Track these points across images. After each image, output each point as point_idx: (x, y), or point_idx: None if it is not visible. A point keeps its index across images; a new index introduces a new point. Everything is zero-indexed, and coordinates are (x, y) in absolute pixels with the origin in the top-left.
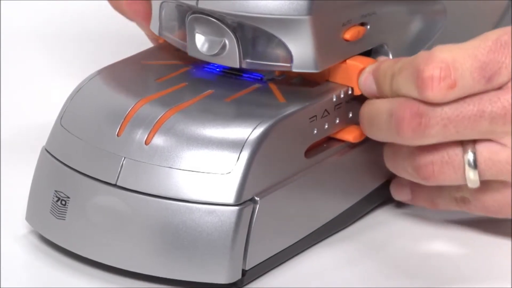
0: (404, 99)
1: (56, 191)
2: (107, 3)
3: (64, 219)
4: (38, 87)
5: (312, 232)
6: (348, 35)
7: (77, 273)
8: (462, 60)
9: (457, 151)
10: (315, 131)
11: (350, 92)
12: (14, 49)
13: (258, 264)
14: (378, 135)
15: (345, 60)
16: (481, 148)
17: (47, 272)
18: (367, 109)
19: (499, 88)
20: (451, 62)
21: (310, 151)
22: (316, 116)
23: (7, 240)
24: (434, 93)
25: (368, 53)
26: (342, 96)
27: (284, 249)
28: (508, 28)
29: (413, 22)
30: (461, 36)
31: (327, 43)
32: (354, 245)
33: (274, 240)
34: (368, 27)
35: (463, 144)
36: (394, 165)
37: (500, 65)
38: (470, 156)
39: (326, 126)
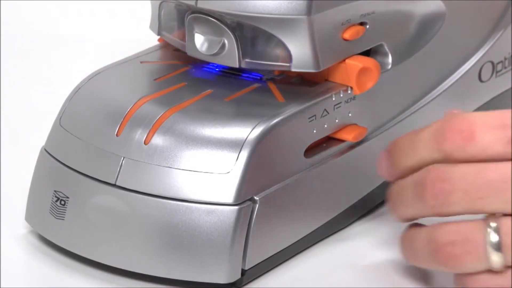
0: (429, 166)
1: (55, 191)
2: (106, 4)
3: (64, 219)
4: (38, 87)
5: (312, 232)
6: (347, 34)
7: (76, 273)
8: (485, 117)
9: (479, 226)
10: (315, 131)
11: (349, 91)
12: (14, 49)
13: (257, 264)
14: (404, 211)
15: (344, 60)
16: (506, 219)
17: (46, 272)
18: (395, 186)
19: None
20: (473, 117)
21: (310, 151)
22: (315, 115)
23: (7, 240)
24: (452, 144)
25: (367, 53)
26: (341, 95)
27: (283, 249)
28: None
29: (412, 22)
30: (461, 36)
31: (327, 42)
32: (354, 246)
33: (274, 239)
34: (368, 26)
35: (486, 219)
36: (413, 254)
37: None
38: (493, 225)
39: (326, 126)
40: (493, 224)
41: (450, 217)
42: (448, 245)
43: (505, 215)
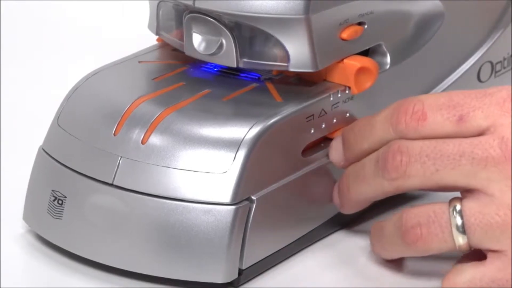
0: (390, 142)
1: (53, 190)
2: (105, 3)
3: (61, 219)
4: (36, 87)
5: (310, 232)
6: (345, 34)
7: (74, 273)
8: (435, 99)
9: (444, 208)
10: (312, 131)
11: (347, 91)
12: (14, 49)
13: (255, 264)
14: (364, 189)
15: (342, 60)
16: (467, 200)
17: (44, 271)
18: (352, 167)
19: (481, 134)
20: (426, 99)
21: (307, 151)
22: (313, 115)
23: (5, 239)
24: (406, 125)
25: (366, 53)
26: (339, 95)
27: (281, 249)
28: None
29: (410, 22)
30: (460, 36)
31: (324, 42)
32: (352, 245)
33: (271, 239)
34: (366, 26)
35: (450, 202)
36: (383, 242)
37: (474, 108)
38: (456, 208)
39: (323, 126)
40: (457, 207)
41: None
42: (415, 227)
43: (467, 192)
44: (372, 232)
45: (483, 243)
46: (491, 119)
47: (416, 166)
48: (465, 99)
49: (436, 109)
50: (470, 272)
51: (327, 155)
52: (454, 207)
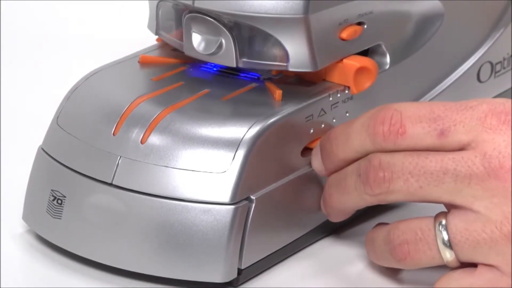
0: (370, 155)
1: (52, 190)
2: (104, 3)
3: (60, 218)
4: (36, 86)
5: (308, 232)
6: (344, 34)
7: (73, 272)
8: (415, 110)
9: (430, 225)
10: (312, 131)
11: (346, 91)
12: (13, 49)
13: (254, 263)
14: (346, 201)
15: (341, 60)
16: (453, 217)
17: (43, 271)
18: (334, 176)
19: (462, 149)
20: (404, 110)
21: (307, 150)
22: (312, 115)
23: (4, 239)
24: (385, 137)
25: (365, 53)
26: (338, 95)
27: (280, 249)
28: (492, 100)
29: (410, 22)
30: (460, 36)
31: (324, 42)
32: (351, 245)
33: (270, 239)
34: (365, 26)
35: (436, 217)
36: (375, 254)
37: (455, 123)
38: (442, 223)
39: (323, 126)
40: (443, 222)
41: (404, 217)
42: (403, 245)
43: (452, 206)
44: (365, 242)
45: (472, 258)
46: (472, 134)
47: (399, 183)
48: (446, 112)
49: (415, 121)
50: (459, 280)
51: None
52: (440, 223)
